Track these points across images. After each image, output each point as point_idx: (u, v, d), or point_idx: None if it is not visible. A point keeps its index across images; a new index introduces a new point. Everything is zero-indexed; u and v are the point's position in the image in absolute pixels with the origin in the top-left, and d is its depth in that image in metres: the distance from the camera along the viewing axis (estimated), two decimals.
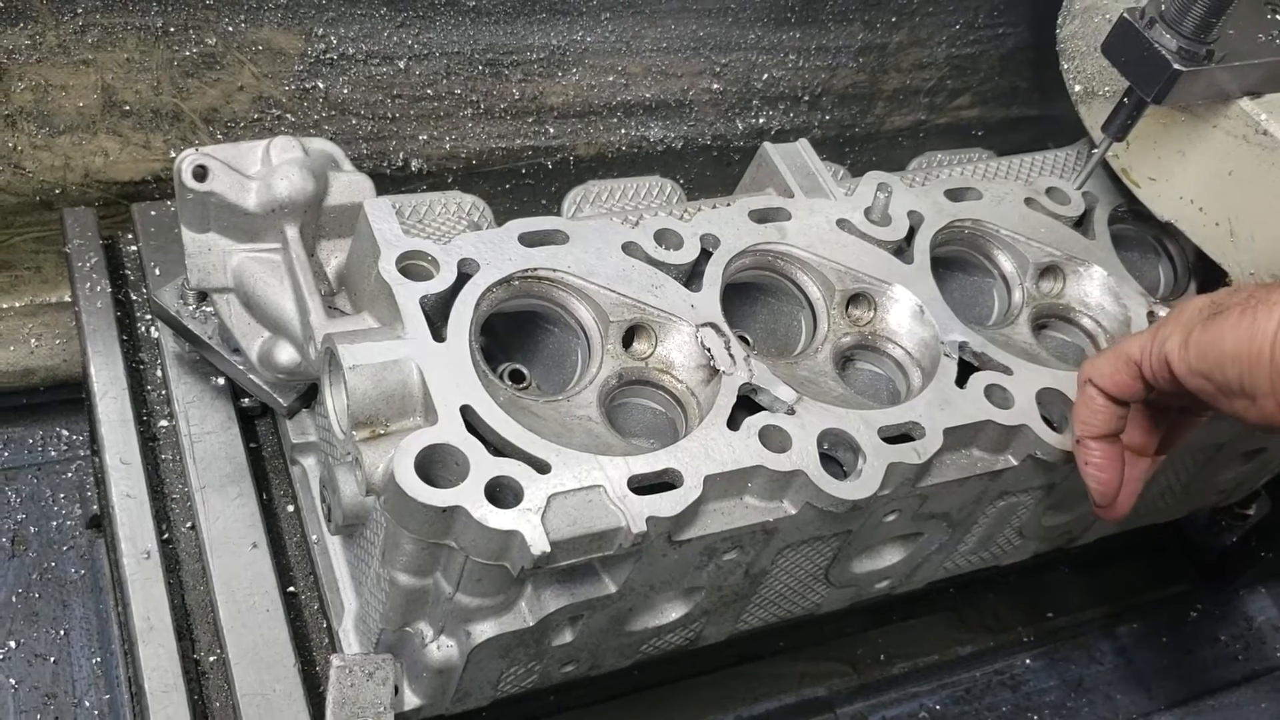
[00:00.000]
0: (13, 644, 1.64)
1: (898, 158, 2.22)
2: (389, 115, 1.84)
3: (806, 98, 2.15)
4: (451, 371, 1.19)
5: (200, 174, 1.32)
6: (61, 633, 1.67)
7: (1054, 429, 1.36)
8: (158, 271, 1.59)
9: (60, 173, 1.71)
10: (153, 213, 1.66)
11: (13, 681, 1.61)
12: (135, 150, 1.73)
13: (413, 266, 1.27)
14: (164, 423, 1.51)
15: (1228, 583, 2.15)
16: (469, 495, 1.10)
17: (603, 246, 1.36)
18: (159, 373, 1.55)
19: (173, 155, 1.75)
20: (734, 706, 1.80)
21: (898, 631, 1.94)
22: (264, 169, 1.36)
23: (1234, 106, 1.48)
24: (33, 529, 1.75)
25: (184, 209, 1.35)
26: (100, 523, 1.75)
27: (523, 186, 2.04)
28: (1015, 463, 1.37)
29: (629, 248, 1.37)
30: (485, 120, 1.91)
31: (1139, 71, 1.43)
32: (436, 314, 1.25)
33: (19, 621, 1.66)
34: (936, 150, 1.86)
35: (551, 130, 1.98)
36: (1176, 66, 1.39)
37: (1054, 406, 1.38)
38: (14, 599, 1.68)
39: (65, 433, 1.89)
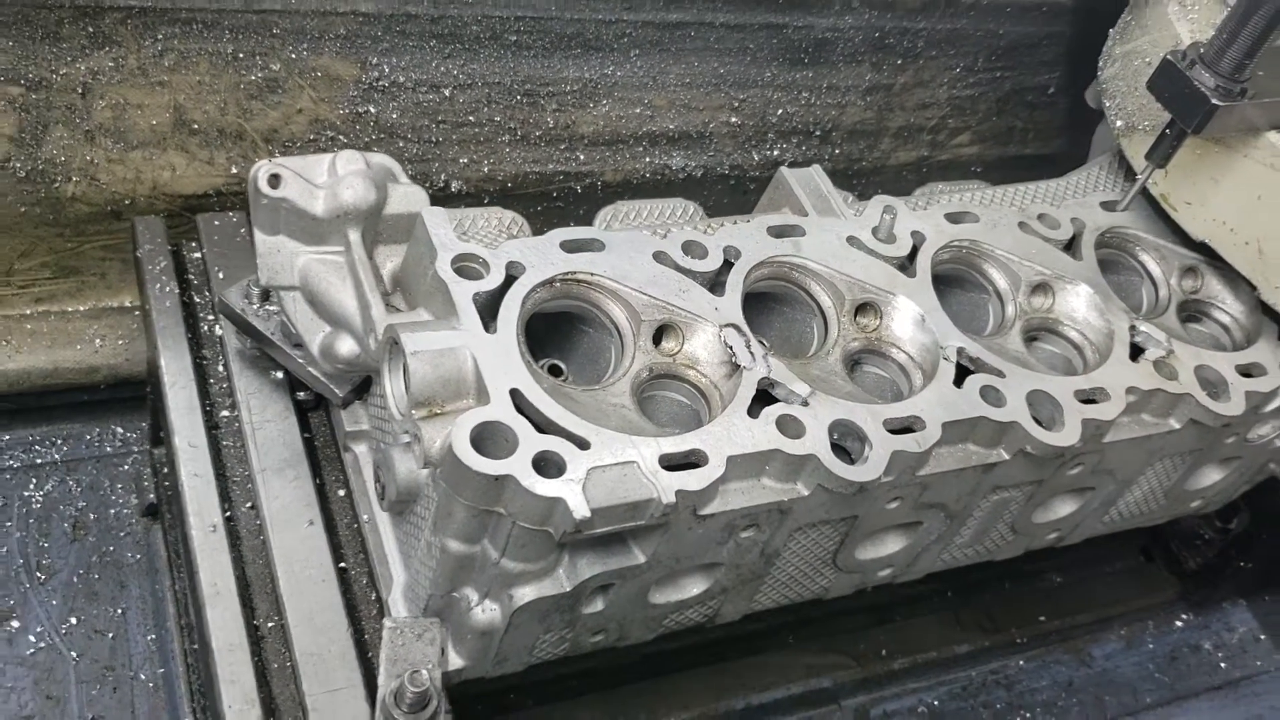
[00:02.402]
0: (74, 620, 1.76)
1: (902, 190, 2.34)
2: (433, 139, 1.99)
3: (818, 132, 2.30)
4: (501, 359, 1.33)
5: (274, 181, 1.47)
6: (119, 611, 1.79)
7: (1042, 427, 1.49)
8: (221, 275, 1.73)
9: (131, 185, 1.85)
10: (216, 223, 1.81)
11: (74, 654, 1.73)
12: (200, 166, 1.87)
13: (466, 267, 1.41)
14: (226, 412, 1.64)
15: (1211, 593, 2.27)
16: (518, 466, 1.23)
17: (635, 254, 1.50)
18: (221, 368, 1.68)
19: (234, 171, 1.90)
20: (746, 694, 1.91)
21: (899, 629, 2.06)
22: (330, 179, 1.50)
23: (1263, 138, 1.65)
24: (92, 516, 1.88)
25: (257, 213, 1.49)
26: (156, 510, 1.88)
27: (553, 208, 2.18)
28: (1008, 456, 1.50)
29: (659, 256, 1.51)
30: (521, 146, 2.06)
31: (1180, 106, 1.60)
32: (485, 310, 1.38)
33: (80, 600, 1.79)
34: (938, 182, 2.02)
35: (582, 157, 2.13)
36: (1215, 101, 1.55)
37: (1043, 407, 1.51)
38: (75, 579, 1.80)
39: (121, 430, 2.02)
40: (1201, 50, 1.57)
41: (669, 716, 1.87)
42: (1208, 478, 1.87)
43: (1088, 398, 1.54)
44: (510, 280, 1.41)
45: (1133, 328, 1.65)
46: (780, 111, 2.22)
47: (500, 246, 1.44)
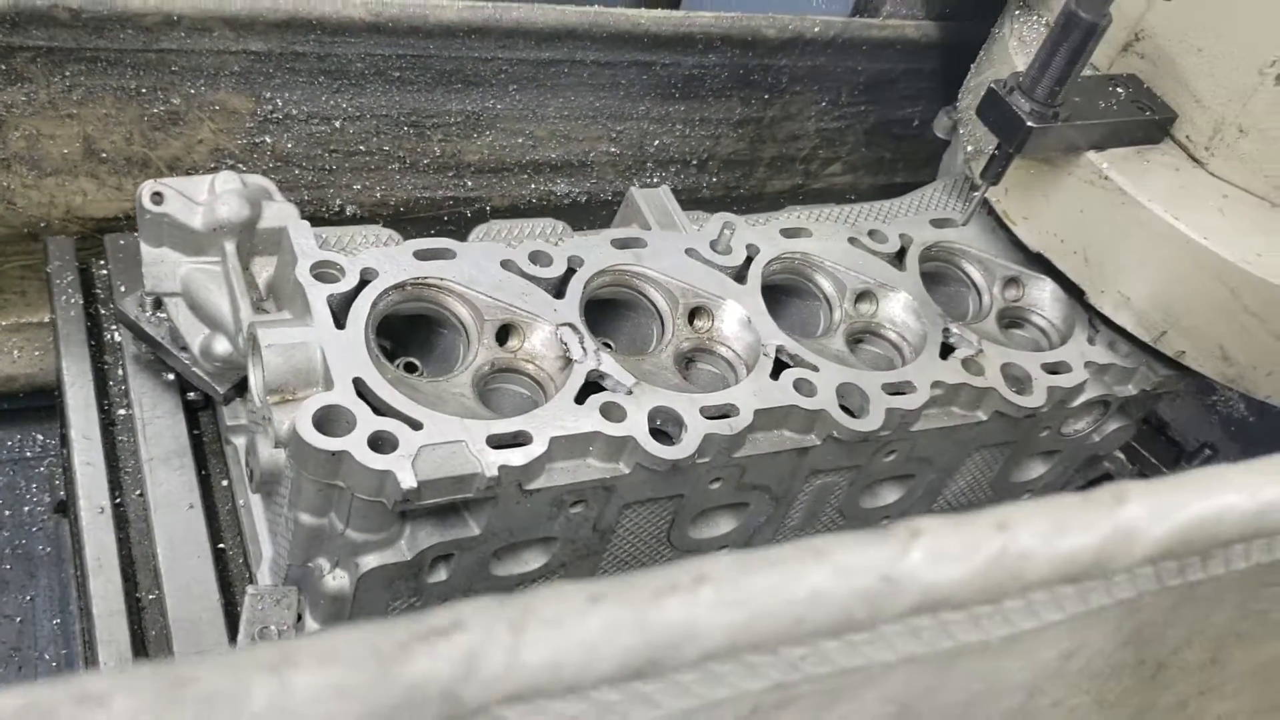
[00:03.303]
0: None
1: None
2: (327, 167, 2.17)
3: (695, 162, 2.49)
4: (348, 352, 1.49)
5: (157, 199, 1.64)
6: (28, 598, 1.94)
7: (851, 414, 1.66)
8: (123, 289, 1.90)
9: (46, 209, 2.02)
10: (121, 242, 1.98)
11: None
12: (109, 191, 2.04)
13: (323, 273, 1.58)
14: (121, 410, 1.80)
15: None
16: (354, 443, 1.39)
17: (484, 262, 1.67)
18: (119, 371, 1.85)
19: None
20: None
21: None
22: (209, 197, 1.67)
23: (1083, 158, 1.82)
24: (7, 513, 2.03)
25: (143, 228, 1.67)
26: (65, 507, 2.03)
27: (445, 231, 2.35)
28: (818, 441, 1.67)
29: (506, 264, 1.68)
30: (411, 173, 2.24)
31: (1003, 129, 1.78)
32: (340, 310, 1.55)
33: None
34: (797, 206, 2.21)
35: (469, 183, 2.31)
36: (1030, 124, 1.73)
37: (852, 397, 1.69)
38: None
39: (39, 435, 2.18)
40: (1020, 79, 1.77)
41: None
42: (1032, 470, 2.04)
43: (895, 390, 1.72)
44: (364, 284, 1.58)
45: (946, 330, 1.83)
46: (657, 142, 2.41)
47: (358, 254, 1.62)
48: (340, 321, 1.53)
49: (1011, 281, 2.01)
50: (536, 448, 1.48)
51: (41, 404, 2.14)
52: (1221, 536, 0.73)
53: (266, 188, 1.74)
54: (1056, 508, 0.65)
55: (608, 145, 2.36)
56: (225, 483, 1.78)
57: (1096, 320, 1.95)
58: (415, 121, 2.17)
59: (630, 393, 1.58)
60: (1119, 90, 1.81)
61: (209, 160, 2.07)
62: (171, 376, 1.82)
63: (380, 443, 1.41)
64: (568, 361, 1.61)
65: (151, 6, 1.82)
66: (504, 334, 1.66)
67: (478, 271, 1.66)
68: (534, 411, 1.53)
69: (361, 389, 1.46)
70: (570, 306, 1.67)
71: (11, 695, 0.41)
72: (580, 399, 1.56)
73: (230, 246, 1.66)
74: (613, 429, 1.52)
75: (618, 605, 0.52)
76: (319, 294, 1.54)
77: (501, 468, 1.44)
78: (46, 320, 2.16)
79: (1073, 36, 1.62)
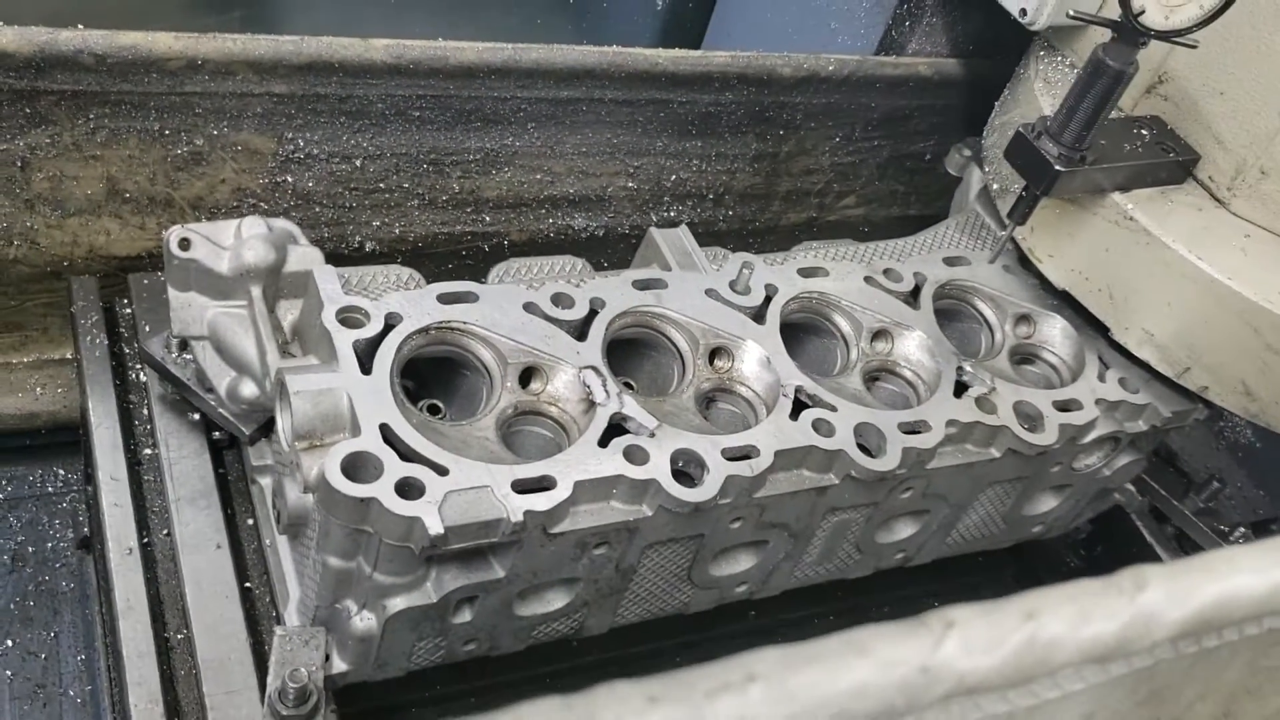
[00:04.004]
0: (10, 643, 1.93)
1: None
2: (347, 205, 2.19)
3: (711, 196, 2.52)
4: (374, 398, 1.52)
5: (184, 244, 1.67)
6: (52, 634, 1.95)
7: (869, 454, 1.68)
8: (147, 328, 1.92)
9: (69, 248, 2.05)
10: (145, 281, 2.00)
11: (9, 673, 1.89)
12: (133, 230, 2.07)
13: (349, 318, 1.60)
14: (148, 450, 1.82)
15: None
16: (382, 490, 1.41)
17: (507, 305, 1.70)
18: (145, 410, 1.87)
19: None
20: None
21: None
22: (235, 241, 1.70)
23: (1108, 199, 1.86)
24: (30, 549, 2.05)
25: (170, 272, 1.69)
26: (89, 544, 2.05)
27: (463, 266, 2.38)
28: (837, 481, 1.69)
29: (529, 307, 1.71)
30: (430, 210, 2.27)
31: (1031, 171, 1.81)
32: (365, 355, 1.58)
33: (15, 625, 1.95)
34: (812, 241, 2.23)
35: (488, 219, 2.33)
36: (1058, 168, 1.77)
37: (869, 437, 1.71)
38: (12, 606, 1.97)
39: (61, 471, 2.19)
40: (1048, 124, 1.79)
41: None
42: (1044, 504, 2.06)
43: (911, 429, 1.74)
44: (389, 328, 1.61)
45: (960, 368, 1.85)
46: (674, 177, 2.43)
47: (382, 299, 1.64)
48: (366, 367, 1.55)
49: (1023, 319, 2.04)
50: (561, 492, 1.50)
51: (64, 440, 2.16)
52: (1235, 616, 0.76)
53: (291, 232, 1.76)
54: (1080, 594, 0.68)
55: (625, 180, 2.39)
56: (251, 522, 1.80)
57: (1108, 356, 1.97)
58: (434, 159, 2.19)
59: (653, 435, 1.60)
60: (1143, 132, 1.84)
61: (231, 200, 2.10)
62: (197, 417, 1.84)
63: (407, 489, 1.43)
64: (591, 404, 1.63)
65: (176, 51, 1.85)
66: (527, 376, 1.68)
67: (500, 314, 1.68)
68: (558, 455, 1.55)
69: (388, 435, 1.48)
70: (593, 349, 1.69)
71: None
72: (604, 442, 1.58)
73: (256, 291, 1.69)
74: (636, 472, 1.54)
75: (675, 706, 0.54)
76: (345, 340, 1.57)
77: (527, 513, 1.46)
78: (69, 357, 2.19)
79: (1100, 84, 1.65)
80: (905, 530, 1.93)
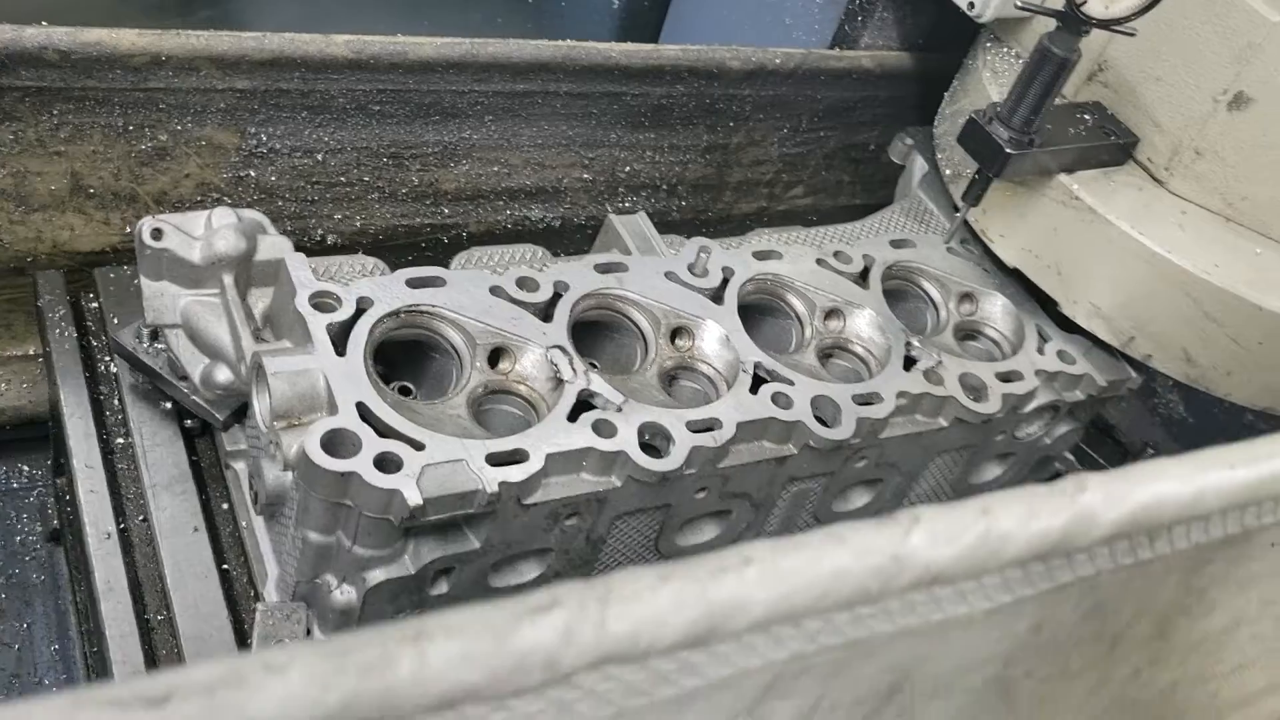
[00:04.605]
0: None
1: None
2: (309, 198, 2.23)
3: (664, 187, 2.59)
4: (349, 378, 1.56)
5: (157, 235, 1.70)
6: (25, 625, 1.97)
7: (824, 424, 1.76)
8: (115, 320, 1.95)
9: (33, 244, 2.07)
10: (111, 275, 2.03)
11: None
12: (97, 226, 2.09)
13: (321, 303, 1.65)
14: (120, 439, 1.85)
15: None
16: (362, 464, 1.46)
17: (473, 289, 1.75)
18: (116, 401, 1.90)
19: (129, 230, 2.12)
20: None
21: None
22: (206, 231, 1.73)
23: (1055, 180, 1.96)
24: (0, 544, 2.07)
25: (143, 262, 1.73)
26: (59, 535, 2.07)
27: (423, 258, 2.43)
28: (795, 451, 1.77)
29: (495, 290, 1.76)
30: (390, 202, 2.31)
31: (984, 155, 1.91)
32: (338, 338, 1.62)
33: None
34: (764, 228, 2.32)
35: (446, 211, 2.38)
36: (1009, 150, 1.86)
37: (825, 409, 1.78)
38: None
39: (26, 467, 2.21)
40: (998, 109, 1.89)
41: None
42: (989, 472, 2.15)
43: (864, 400, 1.82)
44: (360, 312, 1.66)
45: (908, 344, 1.94)
46: (628, 168, 2.50)
47: (353, 284, 1.69)
48: (340, 349, 1.60)
49: (966, 297, 2.13)
50: (534, 464, 1.56)
51: (27, 435, 2.18)
52: (1164, 518, 0.84)
53: (261, 222, 1.80)
54: (1029, 495, 0.75)
55: (580, 172, 2.45)
56: (225, 506, 1.83)
57: (1046, 331, 2.07)
58: (394, 153, 2.24)
59: (620, 410, 1.67)
60: (1086, 117, 1.94)
61: (195, 194, 2.13)
62: (169, 405, 1.87)
63: (386, 463, 1.48)
64: (559, 382, 1.69)
65: (140, 47, 1.89)
66: (495, 357, 1.73)
67: (468, 298, 1.74)
68: (529, 430, 1.61)
69: (364, 413, 1.53)
70: (558, 329, 1.75)
71: (213, 665, 0.49)
72: (572, 417, 1.64)
73: (229, 279, 1.73)
74: (605, 444, 1.61)
75: (682, 582, 0.61)
76: (319, 323, 1.61)
77: (501, 483, 1.52)
78: (31, 353, 2.20)
79: (1046, 70, 1.75)
80: (860, 499, 2.01)
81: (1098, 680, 1.02)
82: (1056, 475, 2.30)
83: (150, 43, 1.89)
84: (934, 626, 0.79)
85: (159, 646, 1.63)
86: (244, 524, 1.79)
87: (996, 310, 2.11)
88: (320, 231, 2.28)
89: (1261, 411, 2.00)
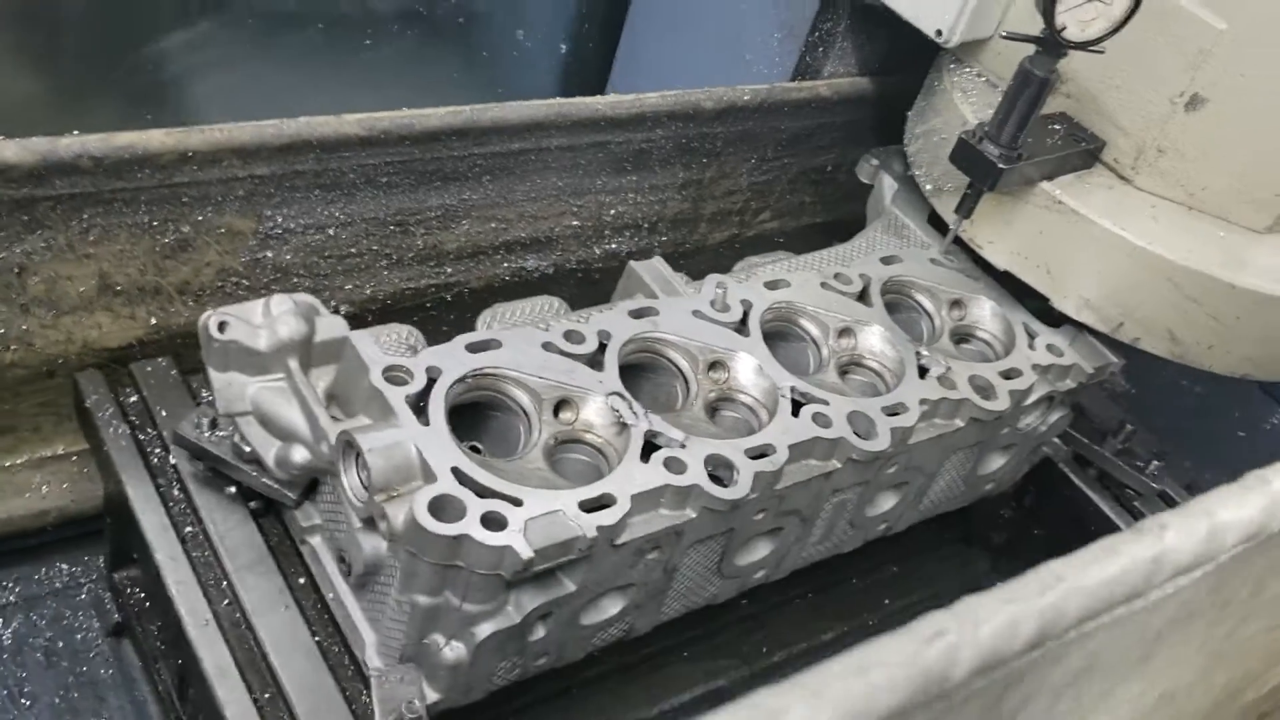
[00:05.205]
0: None
1: (721, 265, 2.78)
2: (322, 272, 2.30)
3: (646, 225, 2.72)
4: (437, 445, 1.65)
5: (222, 327, 1.77)
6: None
7: (861, 438, 1.91)
8: (164, 413, 1.99)
9: (63, 346, 2.09)
10: (148, 369, 2.07)
11: None
12: (124, 321, 2.13)
13: (394, 376, 1.74)
14: (190, 528, 1.90)
15: (1016, 561, 2.75)
16: (471, 526, 1.56)
17: (527, 347, 1.85)
18: (178, 491, 1.94)
19: (153, 322, 2.15)
20: (653, 703, 2.25)
21: (773, 630, 2.43)
22: (266, 319, 1.80)
23: (1038, 187, 2.15)
24: (60, 644, 2.08)
25: (210, 355, 1.79)
26: (122, 630, 2.10)
27: (427, 317, 2.51)
28: (839, 465, 1.91)
29: (547, 346, 1.87)
30: (397, 268, 2.39)
31: (977, 172, 2.09)
32: (414, 408, 1.71)
33: (64, 717, 1.99)
34: (751, 255, 2.47)
35: (449, 270, 2.47)
36: (1001, 166, 2.04)
37: (860, 423, 1.93)
38: (57, 700, 2.00)
39: (66, 565, 2.22)
40: (986, 128, 2.06)
41: None
42: (994, 463, 2.33)
43: (892, 411, 1.98)
44: (432, 381, 1.75)
45: (918, 354, 2.10)
46: (613, 211, 2.62)
47: (419, 355, 1.78)
48: (422, 418, 1.69)
49: (955, 304, 2.31)
50: (621, 506, 1.67)
51: (69, 535, 2.19)
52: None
53: (314, 304, 1.87)
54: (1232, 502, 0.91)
55: (570, 219, 2.56)
56: (302, 581, 1.89)
57: (1032, 327, 2.26)
58: (400, 220, 2.32)
59: (684, 445, 1.79)
60: (1056, 127, 2.14)
61: (215, 280, 2.18)
62: (233, 489, 1.92)
63: (492, 522, 1.57)
64: (622, 426, 1.80)
65: (169, 146, 1.94)
66: (558, 409, 1.84)
67: (524, 356, 1.84)
68: (610, 475, 1.72)
69: (461, 476, 1.62)
70: (611, 377, 1.87)
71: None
72: (644, 457, 1.75)
73: (294, 363, 1.80)
74: (678, 480, 1.73)
75: (1019, 604, 0.75)
76: (398, 396, 1.70)
77: (599, 528, 1.63)
78: (62, 452, 2.22)
79: (1028, 91, 1.94)
80: (888, 502, 2.16)
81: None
82: (1044, 459, 2.50)
83: (178, 140, 1.94)
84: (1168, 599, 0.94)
85: None
86: (330, 596, 1.85)
87: (985, 313, 2.29)
88: (333, 303, 2.35)
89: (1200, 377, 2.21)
